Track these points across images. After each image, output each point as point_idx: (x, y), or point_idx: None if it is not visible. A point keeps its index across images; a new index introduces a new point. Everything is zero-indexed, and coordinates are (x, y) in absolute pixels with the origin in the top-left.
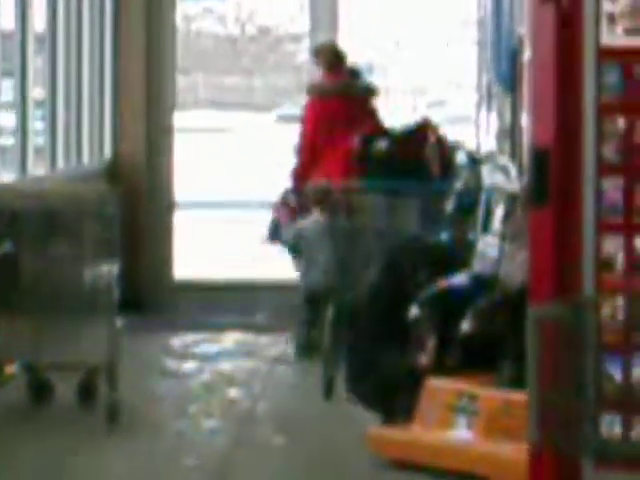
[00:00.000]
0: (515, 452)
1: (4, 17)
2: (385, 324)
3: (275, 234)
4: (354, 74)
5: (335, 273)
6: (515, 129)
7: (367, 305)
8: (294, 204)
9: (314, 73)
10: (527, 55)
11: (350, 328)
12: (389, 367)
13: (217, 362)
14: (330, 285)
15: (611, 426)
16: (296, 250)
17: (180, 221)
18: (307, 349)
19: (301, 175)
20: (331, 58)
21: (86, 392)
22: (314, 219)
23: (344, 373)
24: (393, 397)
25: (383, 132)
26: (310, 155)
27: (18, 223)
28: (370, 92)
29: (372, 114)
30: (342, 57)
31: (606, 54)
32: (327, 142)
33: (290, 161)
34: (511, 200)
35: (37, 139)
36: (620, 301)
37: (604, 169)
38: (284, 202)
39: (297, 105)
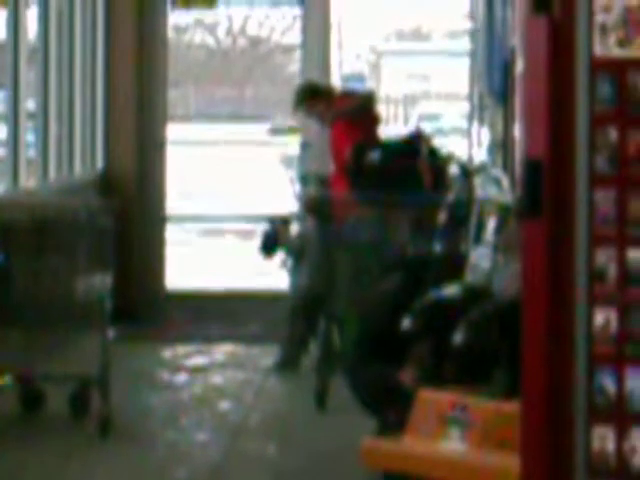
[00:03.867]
0: (509, 463)
1: None
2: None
3: (269, 247)
4: (348, 93)
5: (324, 284)
6: (507, 141)
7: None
8: None
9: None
10: (519, 67)
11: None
12: (383, 379)
13: (208, 374)
14: (318, 294)
15: (604, 439)
16: (297, 257)
17: (172, 233)
18: (292, 364)
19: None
20: (324, 90)
21: (78, 403)
22: (312, 227)
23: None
24: (386, 407)
25: (375, 143)
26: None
27: (10, 235)
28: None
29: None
30: (322, 89)
31: (599, 65)
32: None
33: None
34: (504, 212)
35: (29, 151)
36: (613, 312)
37: (597, 180)
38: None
39: (288, 117)
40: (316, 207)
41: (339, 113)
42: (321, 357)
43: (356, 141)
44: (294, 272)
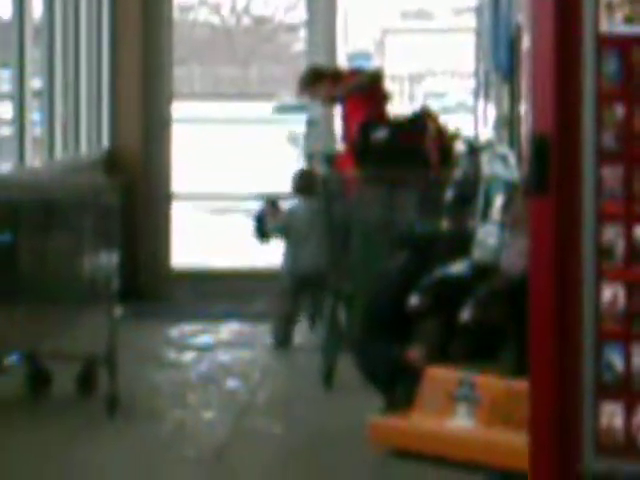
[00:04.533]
0: (516, 440)
1: (1, 8)
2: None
3: (261, 231)
4: (356, 71)
5: (330, 263)
6: (514, 118)
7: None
8: None
9: (313, 63)
10: (525, 43)
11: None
12: (391, 356)
13: (215, 352)
14: (320, 273)
15: (612, 416)
16: (287, 236)
17: (177, 211)
18: (285, 342)
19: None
20: (329, 72)
21: (85, 382)
22: (302, 206)
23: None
24: (394, 385)
25: (383, 121)
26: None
27: (16, 214)
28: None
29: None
30: (326, 71)
31: (605, 42)
32: None
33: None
34: (510, 189)
35: (35, 130)
36: (620, 289)
37: (604, 157)
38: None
39: (293, 95)
40: (304, 185)
41: (351, 88)
42: (327, 335)
43: (367, 116)
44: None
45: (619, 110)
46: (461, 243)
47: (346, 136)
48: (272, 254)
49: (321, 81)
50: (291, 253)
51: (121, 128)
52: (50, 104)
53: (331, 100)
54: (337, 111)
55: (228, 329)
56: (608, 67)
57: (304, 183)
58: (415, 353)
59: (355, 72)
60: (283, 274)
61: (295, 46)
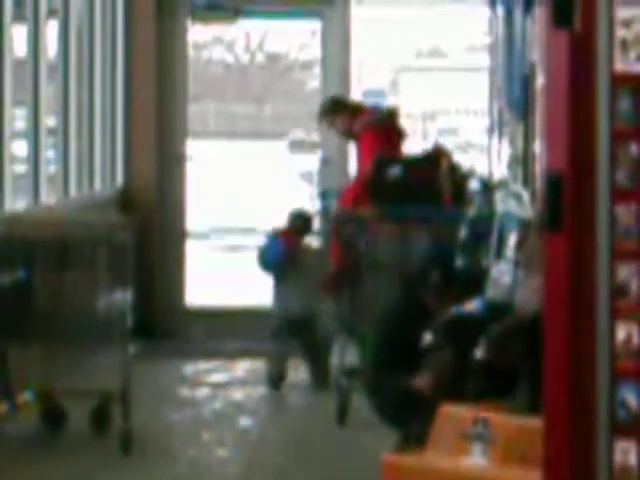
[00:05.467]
0: (531, 478)
1: (16, 45)
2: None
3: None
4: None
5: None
6: (527, 156)
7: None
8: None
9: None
10: (539, 81)
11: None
12: (404, 390)
13: (229, 389)
14: (308, 315)
15: (626, 453)
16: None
17: (192, 249)
18: (278, 382)
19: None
20: (351, 104)
21: (99, 419)
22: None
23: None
24: (408, 420)
25: (397, 158)
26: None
27: (31, 251)
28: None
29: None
30: (349, 103)
31: (620, 80)
32: None
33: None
34: (524, 227)
35: (49, 167)
36: (634, 327)
37: (618, 195)
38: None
39: (308, 133)
40: (301, 225)
41: (367, 123)
42: (341, 373)
43: (382, 153)
44: (280, 290)
45: (633, 148)
46: (475, 281)
47: (359, 172)
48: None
49: (341, 112)
50: (278, 293)
51: (135, 165)
52: (64, 142)
53: (348, 134)
54: (352, 147)
55: (241, 367)
56: (622, 105)
57: (301, 223)
58: (423, 380)
59: (373, 109)
60: (273, 314)
61: (309, 84)
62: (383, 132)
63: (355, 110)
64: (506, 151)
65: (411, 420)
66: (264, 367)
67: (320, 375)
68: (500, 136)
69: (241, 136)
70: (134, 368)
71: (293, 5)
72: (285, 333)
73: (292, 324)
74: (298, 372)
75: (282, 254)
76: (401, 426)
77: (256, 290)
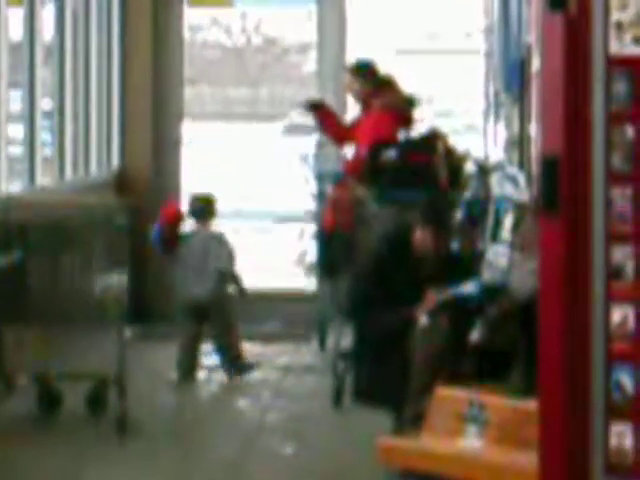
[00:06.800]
0: (526, 460)
1: (12, 29)
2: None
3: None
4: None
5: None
6: (523, 139)
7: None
8: None
9: (321, 85)
10: (535, 64)
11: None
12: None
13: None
14: (214, 301)
15: (621, 436)
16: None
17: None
18: (189, 373)
19: None
20: (380, 76)
21: (95, 402)
22: (198, 231)
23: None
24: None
25: (392, 141)
26: None
27: (27, 234)
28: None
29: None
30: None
31: (615, 63)
32: None
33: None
34: (520, 209)
35: (45, 150)
36: (630, 309)
37: (613, 178)
38: None
39: (303, 116)
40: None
41: (390, 105)
42: (337, 356)
43: (386, 136)
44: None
45: (628, 131)
46: (471, 263)
47: (358, 148)
48: (283, 275)
49: (367, 78)
50: (182, 279)
51: (131, 148)
52: (60, 124)
53: (362, 101)
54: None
55: None
56: (618, 88)
57: (200, 207)
58: (421, 312)
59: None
60: (179, 300)
61: (306, 67)
62: (398, 118)
63: (382, 83)
64: (502, 134)
65: (406, 404)
66: (264, 350)
67: (231, 361)
68: (496, 119)
69: (237, 118)
70: (129, 351)
71: None
72: (189, 318)
73: (196, 309)
74: (294, 355)
75: (158, 239)
76: (396, 405)
77: (249, 273)
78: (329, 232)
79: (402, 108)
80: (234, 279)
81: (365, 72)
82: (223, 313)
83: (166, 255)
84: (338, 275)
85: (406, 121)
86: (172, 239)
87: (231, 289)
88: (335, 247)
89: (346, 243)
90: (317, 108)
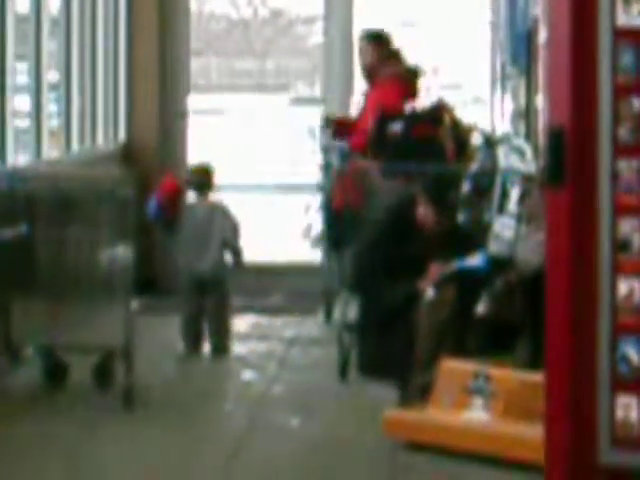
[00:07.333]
0: (532, 432)
1: (19, 1)
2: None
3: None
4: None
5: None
6: (530, 110)
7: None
8: None
9: (329, 56)
10: (542, 36)
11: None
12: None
13: (232, 344)
14: (219, 274)
15: (627, 408)
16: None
17: None
18: (195, 346)
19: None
20: (392, 48)
21: (102, 374)
22: (199, 203)
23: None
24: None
25: (399, 113)
26: None
27: (33, 206)
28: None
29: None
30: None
31: (622, 35)
32: None
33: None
34: (527, 181)
35: (52, 122)
36: (636, 283)
37: (620, 150)
38: None
39: (310, 87)
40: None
41: (395, 74)
42: (343, 328)
43: (392, 106)
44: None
45: (635, 103)
46: (478, 235)
47: (363, 118)
48: (290, 248)
49: (378, 46)
50: (185, 251)
51: (137, 120)
52: (67, 96)
53: (368, 69)
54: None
55: (244, 322)
56: (624, 60)
57: (198, 178)
58: (426, 283)
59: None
60: (181, 273)
61: (312, 39)
62: (404, 88)
63: (391, 54)
64: (509, 106)
65: (413, 377)
66: (270, 322)
67: (222, 338)
68: (503, 91)
69: (243, 89)
70: (136, 323)
71: None
72: (192, 291)
73: (198, 282)
74: (300, 327)
75: (157, 212)
76: (402, 378)
77: (255, 245)
78: (339, 210)
79: (407, 78)
80: (235, 251)
81: (380, 41)
82: (221, 287)
83: (165, 228)
84: (344, 248)
85: (411, 91)
86: (172, 212)
87: (229, 261)
88: (344, 223)
89: (354, 219)
90: (333, 122)
